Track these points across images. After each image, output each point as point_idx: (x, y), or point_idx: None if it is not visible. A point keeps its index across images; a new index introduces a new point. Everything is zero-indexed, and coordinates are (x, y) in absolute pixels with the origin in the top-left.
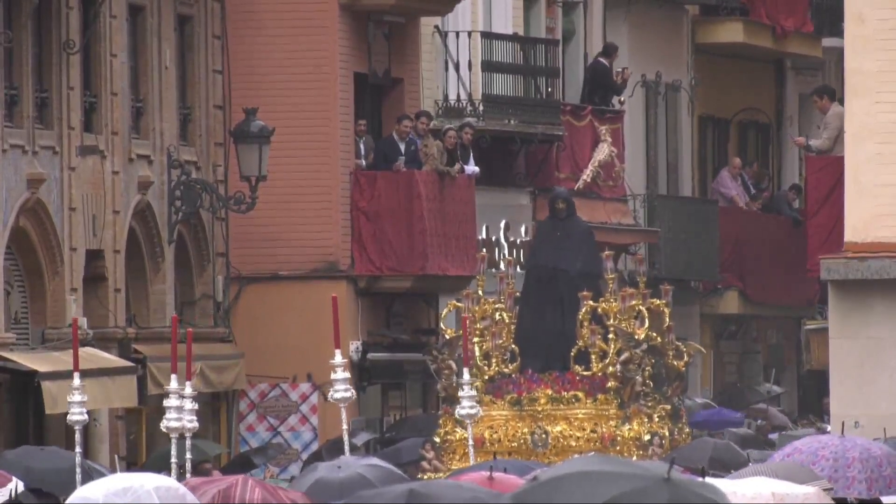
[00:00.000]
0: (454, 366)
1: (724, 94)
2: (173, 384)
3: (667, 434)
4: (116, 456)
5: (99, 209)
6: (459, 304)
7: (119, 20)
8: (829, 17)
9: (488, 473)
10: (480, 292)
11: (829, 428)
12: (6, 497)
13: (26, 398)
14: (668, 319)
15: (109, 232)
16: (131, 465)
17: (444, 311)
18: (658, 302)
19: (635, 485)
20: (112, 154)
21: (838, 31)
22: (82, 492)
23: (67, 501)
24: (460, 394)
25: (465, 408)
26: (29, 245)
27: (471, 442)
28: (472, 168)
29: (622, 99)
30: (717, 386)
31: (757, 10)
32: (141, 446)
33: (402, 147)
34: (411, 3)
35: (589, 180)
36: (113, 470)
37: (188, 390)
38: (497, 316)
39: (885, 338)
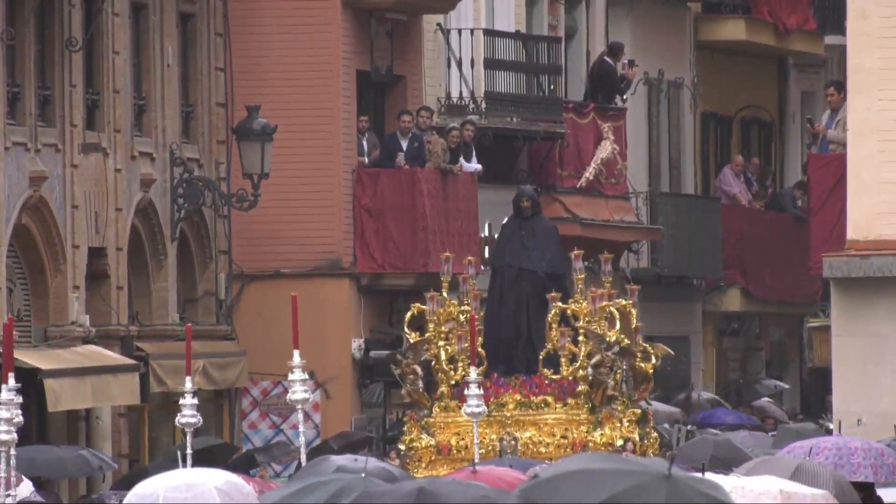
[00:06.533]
0: (419, 370)
1: (727, 91)
2: (188, 385)
3: (637, 439)
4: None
5: (101, 206)
6: (424, 307)
7: (121, 18)
8: (832, 14)
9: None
10: (445, 294)
11: (831, 426)
12: (15, 499)
13: (28, 396)
14: (635, 320)
15: (112, 229)
16: (134, 461)
17: (409, 315)
18: (625, 302)
19: (636, 481)
20: (114, 151)
21: (841, 29)
22: (141, 488)
23: (126, 500)
24: (466, 392)
25: (471, 406)
26: (31, 242)
27: (476, 440)
28: (473, 166)
29: (625, 97)
30: (720, 383)
31: (759, 7)
32: (143, 443)
33: (405, 144)
34: (414, 1)
35: (591, 178)
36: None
37: (188, 385)
38: (462, 318)
39: (887, 335)
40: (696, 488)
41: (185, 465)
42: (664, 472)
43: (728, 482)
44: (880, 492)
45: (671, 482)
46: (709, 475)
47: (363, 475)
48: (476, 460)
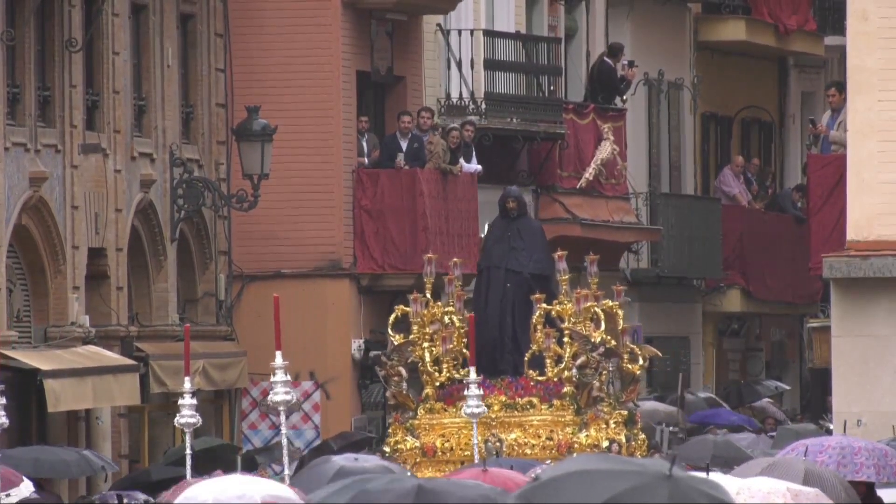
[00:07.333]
0: (404, 372)
1: (727, 92)
2: (187, 385)
3: (624, 441)
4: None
5: (101, 207)
6: (408, 309)
7: (121, 18)
8: (832, 14)
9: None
10: (429, 295)
11: (831, 426)
12: (15, 498)
13: (28, 396)
14: (622, 322)
15: (112, 230)
16: (133, 462)
17: (392, 317)
18: (611, 304)
19: (637, 481)
20: (114, 152)
21: (841, 29)
22: (193, 491)
23: (176, 501)
24: (466, 392)
25: (471, 406)
26: (31, 243)
27: (475, 440)
28: (473, 166)
29: (625, 97)
30: (720, 384)
31: (759, 8)
32: (143, 444)
33: (404, 144)
34: (414, 1)
35: (591, 178)
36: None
37: (187, 385)
38: (447, 319)
39: (887, 335)
40: (698, 488)
41: (190, 467)
42: (665, 472)
43: (734, 483)
44: (881, 492)
45: (672, 482)
46: (713, 475)
47: (409, 473)
48: (477, 461)
